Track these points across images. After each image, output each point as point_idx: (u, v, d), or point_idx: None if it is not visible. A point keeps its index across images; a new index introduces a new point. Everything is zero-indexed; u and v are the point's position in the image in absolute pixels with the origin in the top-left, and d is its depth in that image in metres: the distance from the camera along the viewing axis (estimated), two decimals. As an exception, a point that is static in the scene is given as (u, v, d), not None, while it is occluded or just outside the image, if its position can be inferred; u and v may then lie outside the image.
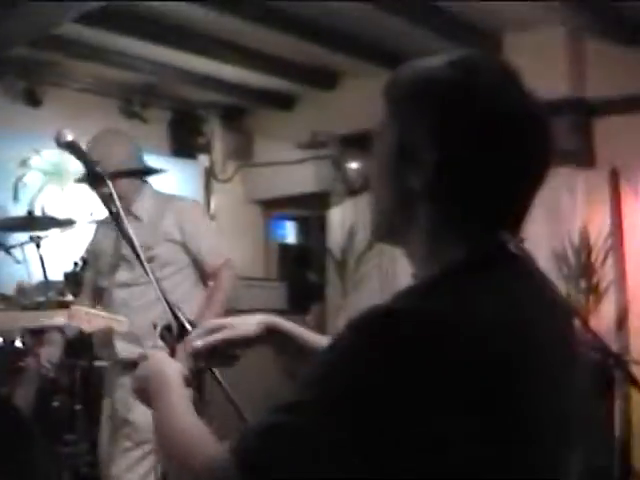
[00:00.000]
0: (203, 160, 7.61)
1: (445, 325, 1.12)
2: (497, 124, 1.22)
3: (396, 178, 1.27)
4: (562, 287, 5.12)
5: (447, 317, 1.13)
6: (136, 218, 3.81)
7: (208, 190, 7.56)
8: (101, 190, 2.23)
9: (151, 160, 6.92)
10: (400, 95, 1.30)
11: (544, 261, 5.38)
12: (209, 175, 7.56)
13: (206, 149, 7.62)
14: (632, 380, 2.80)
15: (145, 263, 2.11)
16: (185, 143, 7.65)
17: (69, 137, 2.33)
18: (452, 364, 1.11)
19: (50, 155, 6.36)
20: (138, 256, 2.09)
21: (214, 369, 1.92)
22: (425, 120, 1.24)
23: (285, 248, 8.61)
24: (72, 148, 2.34)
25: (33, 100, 6.45)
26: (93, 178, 2.19)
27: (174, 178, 7.03)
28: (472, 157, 1.21)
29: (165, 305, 2.01)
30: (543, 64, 5.64)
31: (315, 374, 1.16)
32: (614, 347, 5.18)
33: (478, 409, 1.11)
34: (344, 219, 6.69)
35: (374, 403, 1.10)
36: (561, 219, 5.49)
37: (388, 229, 1.34)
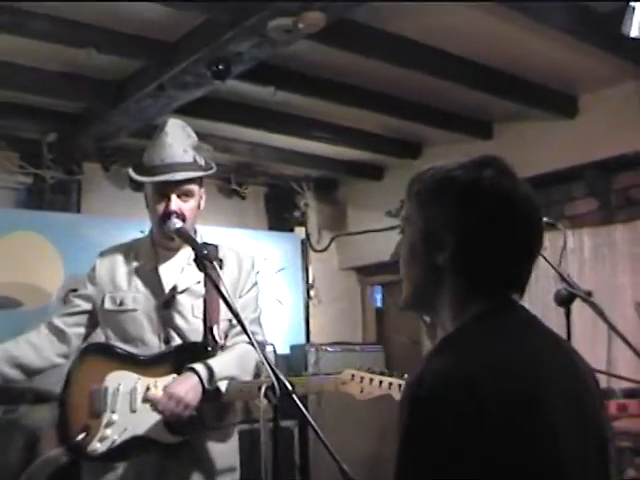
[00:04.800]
0: (299, 232, 7.85)
1: (457, 380, 1.37)
2: (499, 209, 1.51)
3: (424, 258, 1.56)
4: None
5: (459, 372, 1.38)
6: None
7: (306, 260, 7.78)
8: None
9: (250, 234, 7.26)
10: (423, 191, 1.60)
11: (628, 309, 5.50)
12: (306, 246, 7.80)
13: (302, 221, 7.91)
14: None
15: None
16: (281, 217, 7.95)
17: (178, 225, 2.72)
18: (463, 409, 1.34)
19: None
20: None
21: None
22: (444, 210, 1.54)
23: (381, 312, 8.68)
24: (180, 234, 2.71)
25: (137, 186, 6.73)
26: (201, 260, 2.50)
27: (273, 250, 7.33)
28: (483, 237, 1.50)
29: (266, 365, 2.17)
30: (618, 121, 5.72)
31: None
32: None
33: (493, 441, 1.36)
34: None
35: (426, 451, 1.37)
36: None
37: (418, 300, 1.62)
